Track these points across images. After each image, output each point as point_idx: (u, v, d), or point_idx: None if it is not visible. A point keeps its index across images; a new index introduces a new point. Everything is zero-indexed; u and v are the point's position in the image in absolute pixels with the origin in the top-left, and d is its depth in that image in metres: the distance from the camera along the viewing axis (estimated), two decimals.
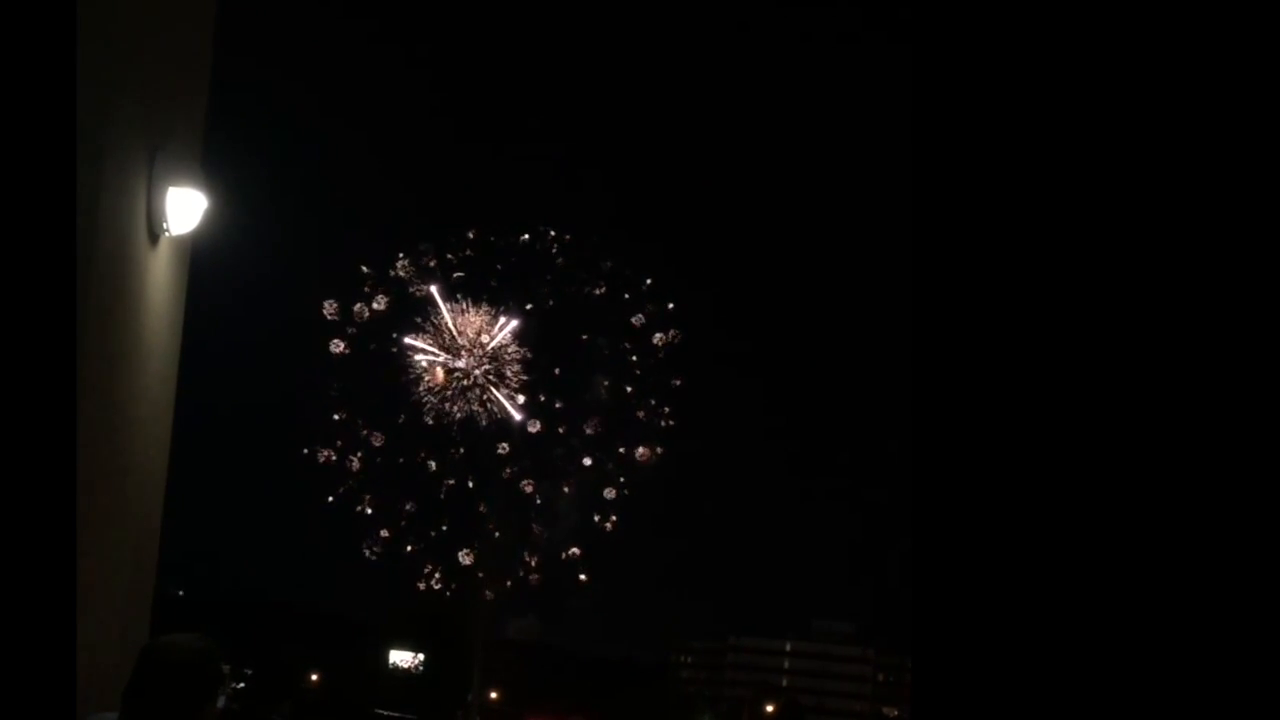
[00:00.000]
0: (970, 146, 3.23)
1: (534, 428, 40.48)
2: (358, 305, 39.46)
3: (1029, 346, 3.12)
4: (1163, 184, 3.08)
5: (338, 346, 39.51)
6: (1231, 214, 3.02)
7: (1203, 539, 2.96)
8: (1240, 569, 2.94)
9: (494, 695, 70.51)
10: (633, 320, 40.05)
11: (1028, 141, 3.19)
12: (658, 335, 40.17)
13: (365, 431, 41.19)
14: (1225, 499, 2.96)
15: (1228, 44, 3.07)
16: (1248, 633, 2.92)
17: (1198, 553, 2.96)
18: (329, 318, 39.36)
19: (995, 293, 3.17)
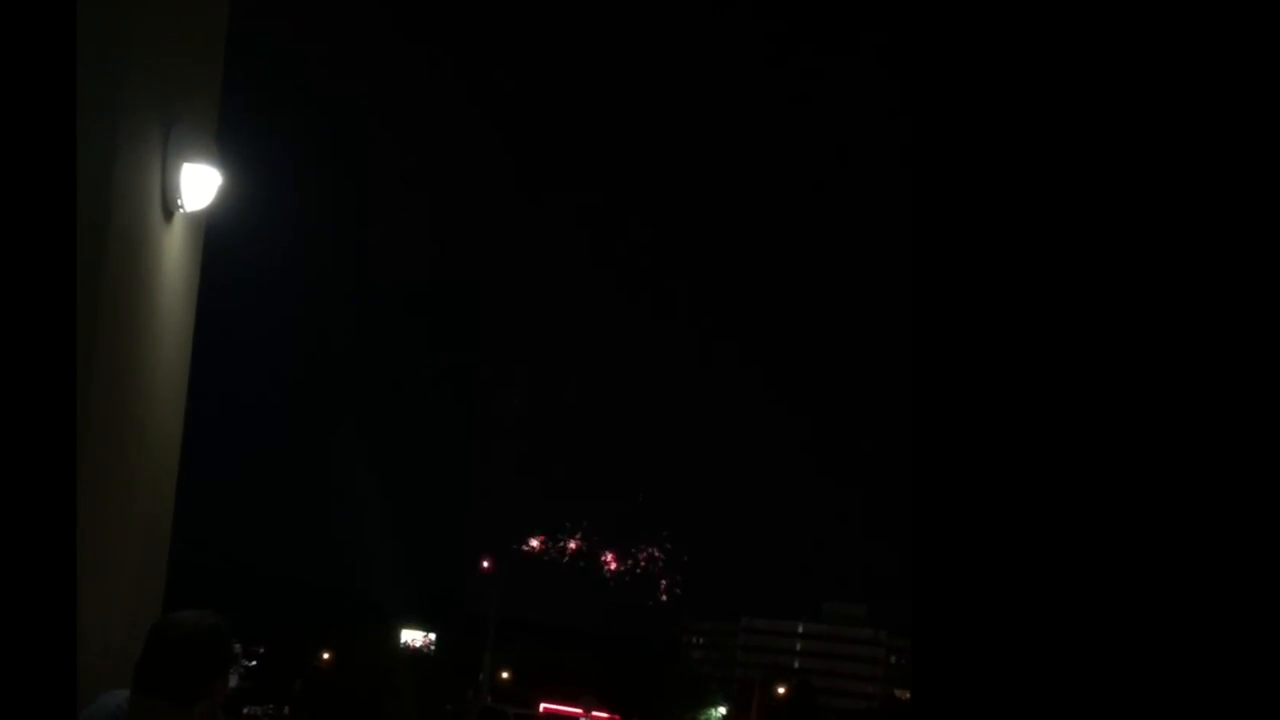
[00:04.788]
0: (971, 139, 3.22)
1: None
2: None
3: (1030, 334, 3.11)
4: (1163, 184, 3.07)
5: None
6: (1231, 214, 3.02)
7: (1202, 532, 2.96)
8: (1240, 562, 2.93)
9: (505, 675, 70.82)
10: None
11: (1029, 135, 3.18)
12: None
13: None
14: (1225, 494, 2.95)
15: (1228, 44, 3.05)
16: (1248, 626, 2.91)
17: (1198, 546, 2.96)
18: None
19: (996, 283, 3.16)
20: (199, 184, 5.63)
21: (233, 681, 3.90)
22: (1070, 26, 3.18)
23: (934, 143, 3.27)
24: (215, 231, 6.59)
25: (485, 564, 61.84)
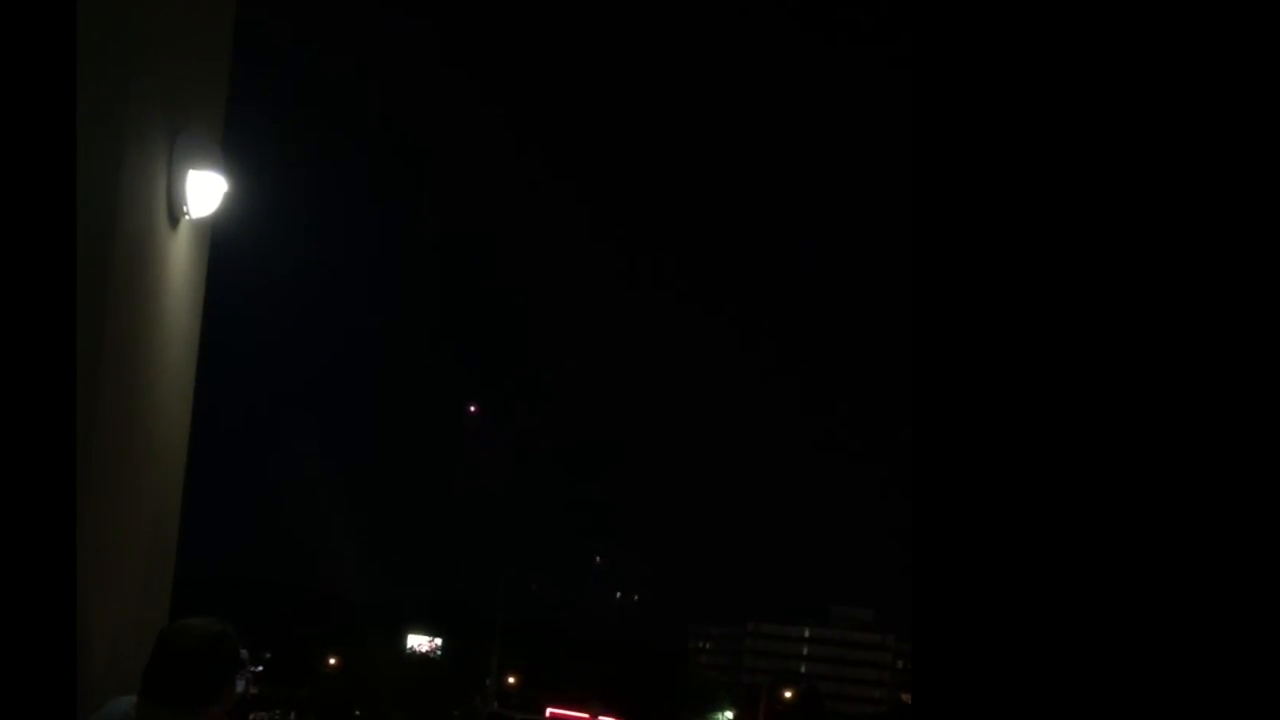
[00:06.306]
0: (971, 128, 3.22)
1: None
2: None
3: (1029, 336, 3.11)
4: (1163, 183, 3.07)
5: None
6: (1231, 214, 3.02)
7: (1202, 532, 2.95)
8: (1240, 561, 2.92)
9: (511, 680, 70.77)
10: None
11: (1029, 127, 3.18)
12: None
13: None
14: (1225, 493, 2.95)
15: (1228, 44, 3.06)
16: (1248, 626, 2.91)
17: (1198, 546, 2.96)
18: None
19: (995, 285, 3.16)
20: (205, 191, 5.63)
21: (240, 687, 3.91)
22: (1070, 24, 3.18)
23: (934, 148, 3.27)
24: (221, 238, 6.60)
25: (472, 409, 62.08)
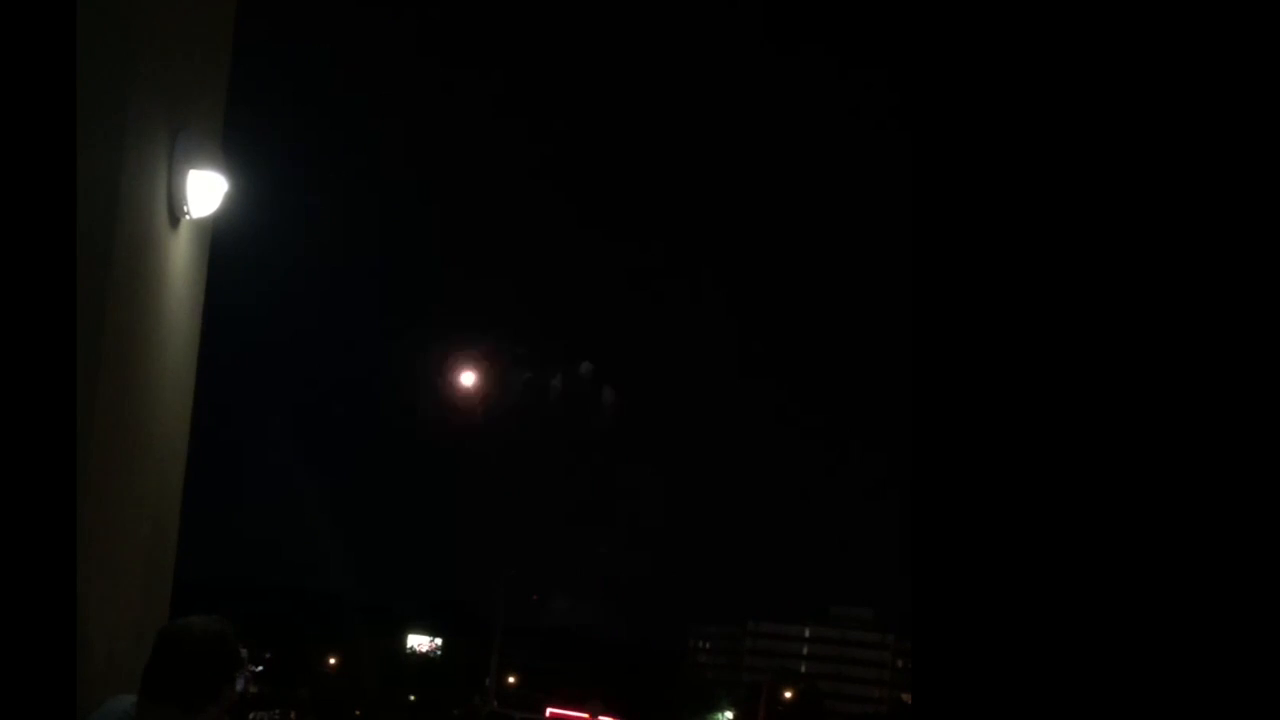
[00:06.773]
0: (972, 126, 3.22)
1: None
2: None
3: (1028, 336, 3.11)
4: (1160, 187, 3.07)
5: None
6: (1231, 214, 3.02)
7: (1202, 532, 2.95)
8: (1240, 561, 2.92)
9: (511, 680, 70.80)
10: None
11: (1029, 133, 3.18)
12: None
13: None
14: (1224, 494, 2.95)
15: (1228, 44, 3.06)
16: (1247, 626, 2.91)
17: (1197, 545, 2.96)
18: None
19: (994, 286, 3.16)
20: (205, 190, 5.63)
21: (240, 686, 3.91)
22: (1068, 28, 3.18)
23: (934, 150, 3.27)
24: (221, 238, 6.60)
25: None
